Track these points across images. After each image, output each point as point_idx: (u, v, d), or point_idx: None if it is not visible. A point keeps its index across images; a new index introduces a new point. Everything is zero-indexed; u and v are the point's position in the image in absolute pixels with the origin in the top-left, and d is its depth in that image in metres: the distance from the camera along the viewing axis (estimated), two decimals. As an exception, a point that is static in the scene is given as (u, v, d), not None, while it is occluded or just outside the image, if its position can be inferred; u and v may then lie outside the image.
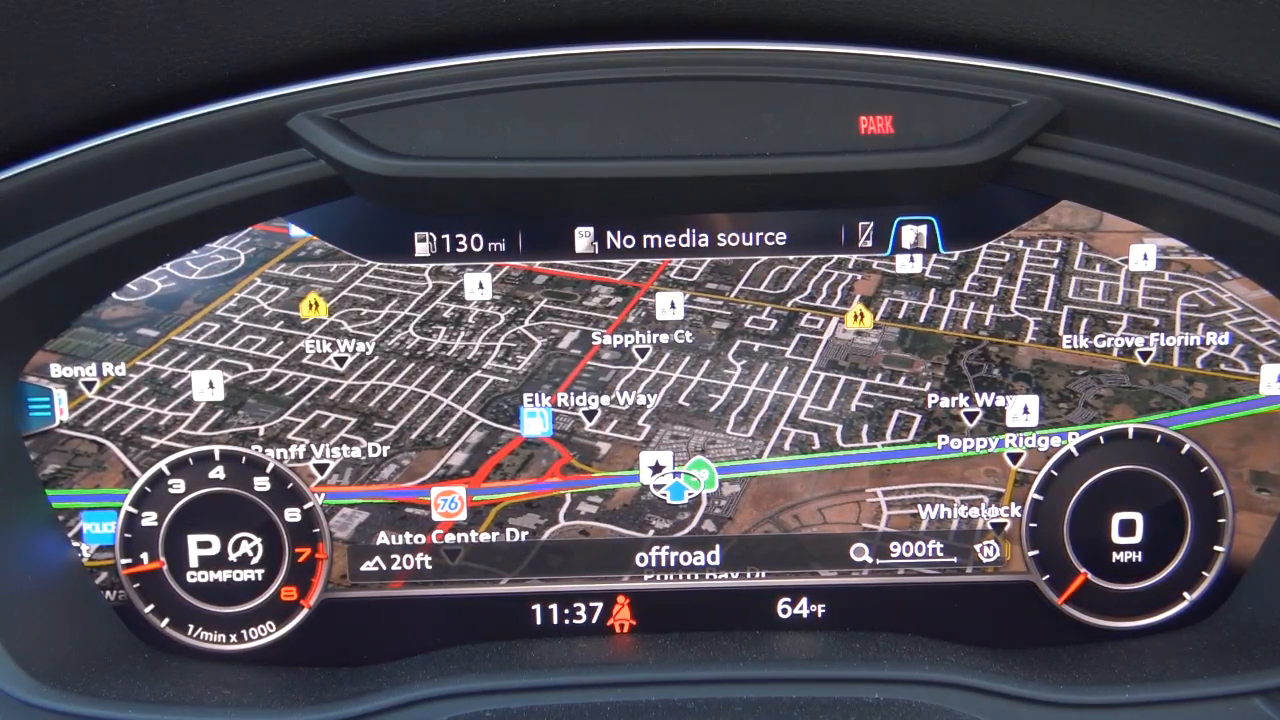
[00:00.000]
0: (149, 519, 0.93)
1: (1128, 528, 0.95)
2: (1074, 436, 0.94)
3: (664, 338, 0.93)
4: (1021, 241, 0.92)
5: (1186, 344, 0.93)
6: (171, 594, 0.94)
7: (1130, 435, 0.94)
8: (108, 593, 0.93)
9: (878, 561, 0.95)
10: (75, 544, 0.92)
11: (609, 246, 0.92)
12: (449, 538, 0.95)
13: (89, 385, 0.92)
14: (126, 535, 0.94)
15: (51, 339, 0.91)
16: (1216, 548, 0.95)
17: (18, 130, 0.81)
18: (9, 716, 0.81)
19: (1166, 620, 0.95)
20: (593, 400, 0.93)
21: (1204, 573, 0.95)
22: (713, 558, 0.95)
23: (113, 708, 0.84)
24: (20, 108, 0.81)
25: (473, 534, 0.94)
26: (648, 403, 0.94)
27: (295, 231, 0.91)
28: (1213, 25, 0.79)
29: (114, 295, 0.91)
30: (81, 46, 0.78)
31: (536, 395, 0.93)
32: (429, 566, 0.95)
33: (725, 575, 0.95)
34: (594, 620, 0.96)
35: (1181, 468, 0.95)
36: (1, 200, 0.83)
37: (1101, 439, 0.94)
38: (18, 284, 0.85)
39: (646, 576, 0.95)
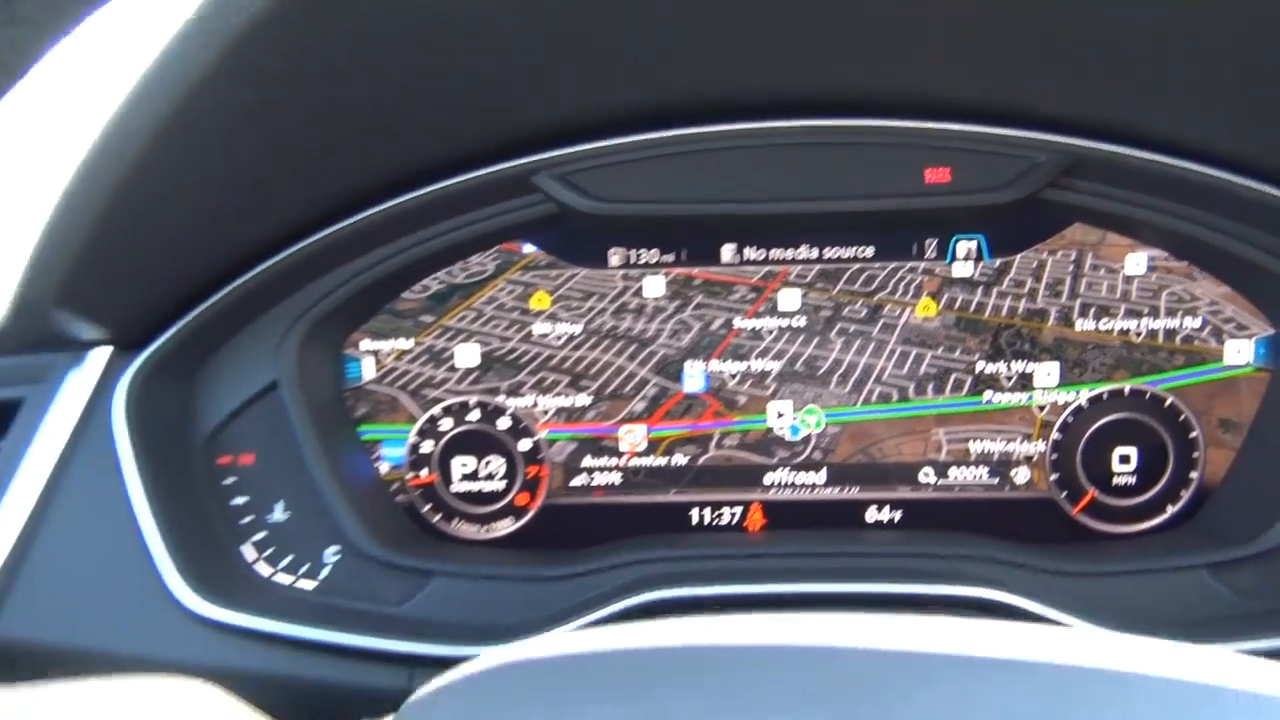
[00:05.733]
0: (427, 446, 1.08)
1: (1125, 459, 1.04)
2: (1085, 393, 1.03)
3: (785, 322, 1.05)
4: (1046, 252, 1.03)
5: (1168, 326, 1.03)
6: (442, 498, 1.09)
7: (1126, 393, 1.03)
8: (399, 497, 1.08)
9: (939, 482, 1.05)
10: (377, 463, 1.08)
11: (746, 258, 1.05)
12: (633, 462, 1.08)
13: (387, 355, 1.07)
14: (411, 457, 1.08)
15: (363, 324, 1.07)
16: (1191, 474, 1.04)
17: (357, 194, 0.99)
18: (372, 557, 0.99)
19: (1152, 527, 1.04)
20: (735, 366, 1.05)
21: (1182, 492, 1.04)
22: (820, 478, 1.07)
23: (425, 554, 1.01)
24: (362, 184, 0.98)
25: (650, 459, 1.07)
26: (773, 368, 1.06)
27: (528, 249, 1.06)
28: (1203, 114, 0.89)
29: (405, 294, 1.07)
30: (399, 144, 0.95)
31: (695, 362, 1.06)
32: (619, 482, 1.08)
33: (828, 490, 1.07)
34: (734, 521, 1.07)
35: (1165, 416, 1.03)
36: (340, 240, 1.01)
37: (1105, 395, 1.03)
38: (348, 292, 1.04)
39: (772, 491, 1.07)
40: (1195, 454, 1.04)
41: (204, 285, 1.00)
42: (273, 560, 1.06)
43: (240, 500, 1.05)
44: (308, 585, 1.04)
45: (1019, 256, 1.03)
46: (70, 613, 0.92)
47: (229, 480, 1.06)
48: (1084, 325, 1.04)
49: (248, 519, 1.06)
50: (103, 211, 0.85)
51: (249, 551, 1.06)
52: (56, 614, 0.92)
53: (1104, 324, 1.04)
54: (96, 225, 0.86)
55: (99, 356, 1.00)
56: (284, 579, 1.05)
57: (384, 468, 1.09)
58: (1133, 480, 1.05)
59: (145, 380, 0.99)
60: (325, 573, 1.04)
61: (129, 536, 0.94)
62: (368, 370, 1.08)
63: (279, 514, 1.05)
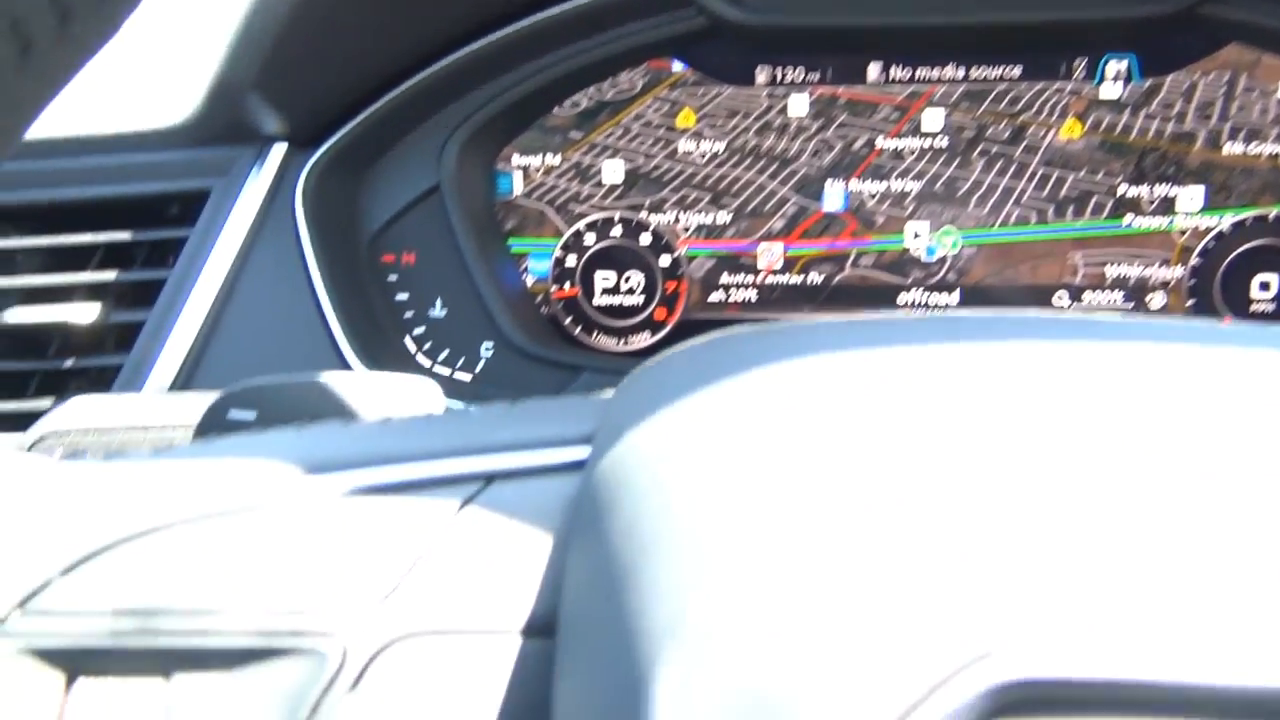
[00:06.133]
0: (571, 260, 1.13)
1: (1265, 286, 1.06)
2: (1228, 218, 1.05)
3: (927, 143, 1.07)
4: (1199, 73, 1.03)
5: (1319, 153, 1.03)
6: (583, 311, 1.14)
7: (1271, 218, 1.04)
8: (543, 308, 1.14)
9: (1073, 305, 1.08)
10: (524, 275, 1.15)
11: (891, 78, 1.08)
12: (770, 279, 1.12)
13: (536, 170, 1.12)
14: (556, 270, 1.14)
15: (516, 138, 1.12)
16: (1332, 302, 1.05)
17: (515, 3, 1.03)
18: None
19: (1289, 353, 1.10)
20: (874, 185, 1.09)
21: (1321, 321, 1.06)
22: (953, 299, 1.10)
23: (573, 353, 1.10)
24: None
25: (786, 277, 1.12)
26: (913, 188, 1.09)
27: (676, 66, 1.10)
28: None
29: (555, 110, 1.11)
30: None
31: (835, 181, 1.10)
32: (755, 299, 1.13)
33: (961, 312, 0.99)
34: (867, 340, 1.17)
35: (1309, 243, 1.05)
36: (497, 50, 1.04)
37: (1249, 221, 1.04)
38: (503, 104, 1.08)
39: (905, 310, 1.10)
40: (1338, 282, 1.06)
41: (375, 87, 1.07)
42: (431, 354, 1.14)
43: (403, 296, 1.14)
44: (465, 377, 1.12)
45: (1169, 78, 1.04)
46: (257, 374, 1.00)
47: (392, 277, 1.14)
48: (1232, 149, 1.05)
49: (409, 314, 1.14)
50: (294, 8, 0.92)
51: (410, 345, 1.15)
52: (246, 375, 1.00)
53: (1253, 148, 1.04)
54: (288, 21, 0.93)
55: (277, 152, 1.07)
56: (443, 370, 1.13)
57: (529, 280, 1.15)
58: (1271, 307, 1.06)
59: (320, 176, 1.07)
60: (481, 366, 1.12)
61: (309, 313, 1.04)
62: (517, 184, 1.14)
63: (438, 310, 1.14)
